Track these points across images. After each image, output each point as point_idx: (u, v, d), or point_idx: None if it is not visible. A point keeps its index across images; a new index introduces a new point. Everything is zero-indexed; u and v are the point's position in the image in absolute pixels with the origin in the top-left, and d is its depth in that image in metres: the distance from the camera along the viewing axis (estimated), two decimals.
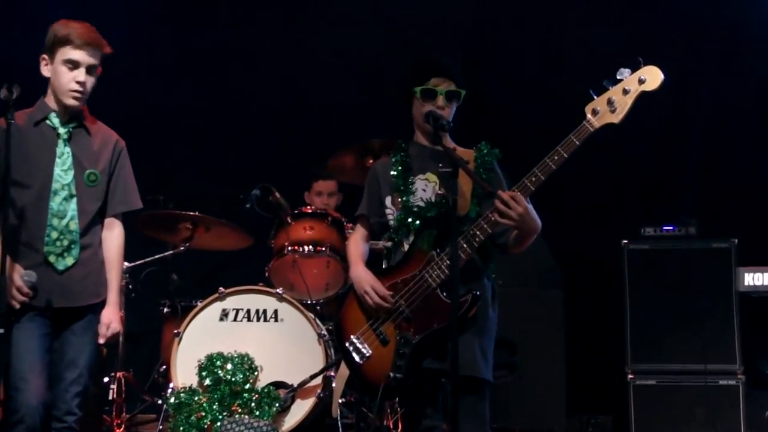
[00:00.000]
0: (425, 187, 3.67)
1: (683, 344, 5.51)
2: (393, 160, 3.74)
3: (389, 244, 3.74)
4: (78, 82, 3.65)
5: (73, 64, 3.64)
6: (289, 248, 5.50)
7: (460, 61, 3.87)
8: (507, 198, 3.36)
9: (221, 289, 5.12)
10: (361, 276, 3.63)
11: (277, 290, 5.15)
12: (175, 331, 5.08)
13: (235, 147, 6.87)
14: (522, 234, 3.48)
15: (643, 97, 3.37)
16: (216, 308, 5.11)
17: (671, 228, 5.84)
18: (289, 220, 5.55)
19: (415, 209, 3.63)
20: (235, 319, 5.10)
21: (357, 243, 3.82)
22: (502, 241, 3.57)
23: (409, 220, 3.62)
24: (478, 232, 3.45)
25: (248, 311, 5.12)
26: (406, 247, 3.62)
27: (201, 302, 5.14)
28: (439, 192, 3.63)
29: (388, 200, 3.73)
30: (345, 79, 6.84)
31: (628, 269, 5.73)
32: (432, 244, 3.53)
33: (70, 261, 3.65)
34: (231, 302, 5.11)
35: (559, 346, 5.93)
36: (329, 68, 6.89)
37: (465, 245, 3.44)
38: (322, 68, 6.90)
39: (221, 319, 5.10)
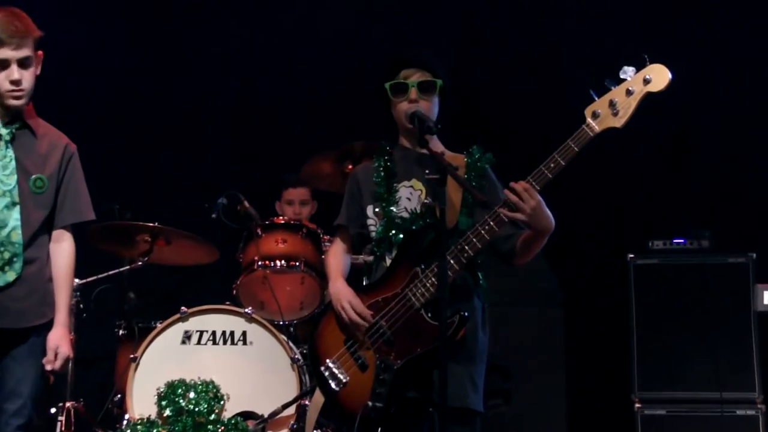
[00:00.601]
0: (410, 196, 3.69)
1: (696, 369, 5.54)
2: (375, 165, 3.76)
3: (370, 258, 3.77)
4: (12, 81, 3.61)
5: (2, 63, 3.61)
6: (260, 263, 5.48)
7: (450, 54, 3.90)
8: (520, 189, 3.38)
9: (183, 308, 5.10)
10: (340, 290, 3.64)
11: (246, 310, 5.14)
12: (132, 356, 5.05)
13: (200, 151, 6.87)
14: (533, 235, 3.50)
15: (650, 98, 3.39)
16: (177, 330, 5.09)
17: (682, 241, 5.87)
18: (260, 232, 5.54)
19: (399, 220, 3.65)
20: (198, 342, 5.08)
21: (336, 256, 3.83)
22: (507, 247, 3.59)
23: (392, 232, 3.64)
24: (467, 247, 3.46)
25: (213, 333, 5.10)
26: (389, 262, 3.63)
27: (161, 323, 5.11)
28: (426, 201, 3.64)
29: (369, 210, 3.74)
30: (322, 75, 6.85)
31: (635, 286, 5.76)
32: (416, 260, 3.56)
33: (11, 276, 3.62)
34: (194, 323, 5.10)
35: (560, 371, 5.95)
36: (304, 63, 6.90)
37: (452, 261, 3.44)
38: (295, 63, 6.92)
39: (183, 342, 5.08)
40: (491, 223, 3.44)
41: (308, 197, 6.28)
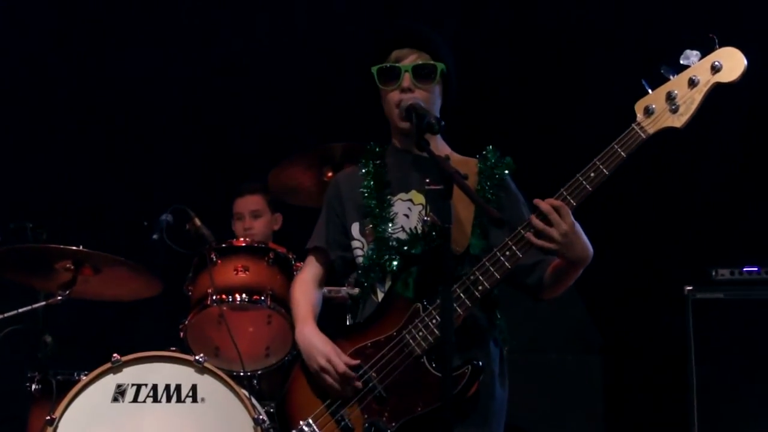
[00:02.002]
0: (408, 211, 3.70)
1: None
2: (362, 171, 3.78)
3: (356, 291, 3.78)
4: None
5: None
6: (214, 297, 5.49)
7: (456, 30, 3.92)
8: (548, 209, 3.38)
9: (116, 356, 5.06)
10: (312, 343, 3.63)
11: (197, 357, 5.11)
12: (48, 417, 5.00)
13: (139, 155, 6.89)
14: (566, 266, 3.51)
15: (718, 90, 3.40)
16: (108, 383, 5.05)
17: (755, 270, 5.89)
18: (214, 258, 5.55)
19: (393, 243, 3.66)
20: (135, 399, 5.04)
21: (305, 288, 3.85)
22: (533, 279, 3.60)
23: (385, 257, 3.65)
24: (481, 278, 3.48)
25: (154, 387, 5.06)
26: (381, 296, 3.64)
27: (86, 375, 5.09)
28: (427, 218, 3.65)
29: (354, 229, 3.75)
30: (295, 61, 6.89)
31: (694, 326, 5.77)
32: (416, 293, 3.55)
33: None
34: (130, 374, 5.06)
35: (597, 430, 5.97)
36: (271, 45, 6.93)
37: (463, 296, 3.47)
38: (260, 45, 6.95)
39: (116, 400, 5.04)
40: (514, 247, 3.46)
41: (262, 206, 6.30)
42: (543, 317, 5.68)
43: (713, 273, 5.89)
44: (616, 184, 3.54)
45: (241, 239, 5.89)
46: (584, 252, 3.46)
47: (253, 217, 6.30)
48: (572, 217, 3.41)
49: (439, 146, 3.73)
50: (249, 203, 6.29)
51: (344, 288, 4.10)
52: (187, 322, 5.57)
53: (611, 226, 6.36)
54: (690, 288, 5.83)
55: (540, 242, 3.41)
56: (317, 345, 3.61)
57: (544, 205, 3.40)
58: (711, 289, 5.83)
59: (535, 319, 5.06)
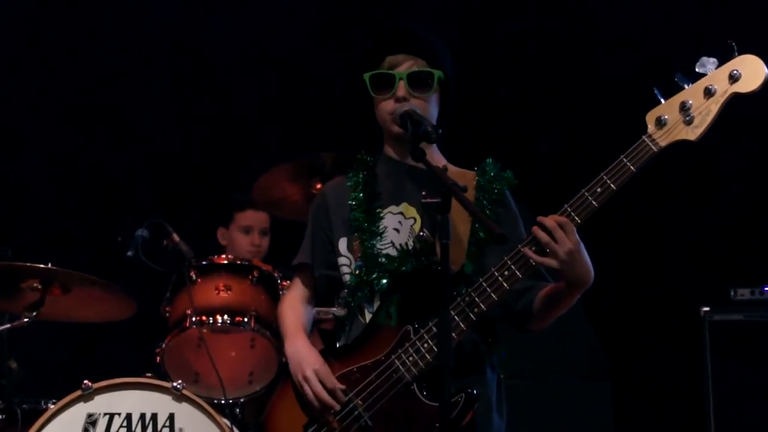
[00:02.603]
0: (398, 225, 3.71)
1: None
2: (351, 183, 3.79)
3: (342, 312, 3.78)
4: None
5: None
6: (194, 319, 5.51)
7: (455, 32, 3.94)
8: (552, 225, 3.40)
9: (86, 382, 5.06)
10: (302, 354, 3.65)
11: (174, 384, 5.11)
12: None
13: (110, 165, 6.90)
14: (561, 290, 3.51)
15: (736, 101, 3.40)
16: (78, 413, 5.04)
17: None
18: (194, 276, 5.58)
19: (383, 260, 3.65)
20: (107, 430, 5.04)
21: (294, 307, 3.84)
22: (520, 306, 3.61)
23: (374, 276, 3.65)
24: (478, 299, 3.47)
25: (128, 417, 5.05)
26: (368, 317, 3.65)
27: (54, 404, 5.10)
28: (422, 234, 3.66)
29: (342, 244, 3.76)
30: (283, 64, 6.92)
31: (712, 351, 5.78)
32: (406, 315, 3.56)
33: None
34: (102, 403, 5.05)
35: None
36: (255, 46, 6.97)
37: (458, 318, 3.45)
38: (242, 45, 6.99)
39: (86, 430, 5.06)
40: (513, 267, 3.46)
41: (269, 225, 6.32)
42: (547, 340, 5.66)
43: (732, 293, 5.91)
44: (626, 198, 3.56)
45: (223, 256, 5.89)
46: (586, 274, 3.46)
47: (262, 234, 6.32)
48: (577, 235, 3.42)
49: (435, 157, 3.73)
50: (261, 219, 6.30)
51: (334, 309, 4.10)
52: (164, 346, 5.58)
53: (621, 242, 6.37)
54: (707, 309, 5.83)
55: (542, 260, 3.42)
56: (307, 356, 3.64)
57: (549, 221, 3.41)
58: (729, 310, 5.85)
59: (539, 342, 5.04)
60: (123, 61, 7.06)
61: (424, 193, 3.60)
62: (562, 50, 6.76)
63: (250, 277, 5.62)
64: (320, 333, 5.29)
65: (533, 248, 3.44)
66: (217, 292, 5.58)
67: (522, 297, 3.60)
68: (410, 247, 3.66)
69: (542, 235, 3.41)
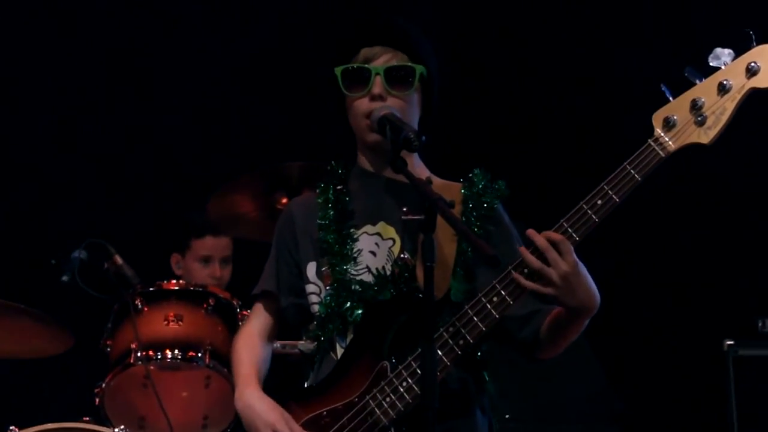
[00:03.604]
0: (374, 248, 3.70)
1: None
2: (321, 198, 3.78)
3: (311, 346, 3.76)
4: None
5: None
6: (140, 354, 5.47)
7: (442, 26, 3.93)
8: (544, 245, 3.38)
9: (13, 428, 5.05)
10: (254, 409, 3.62)
11: (116, 429, 5.12)
12: None
13: (43, 177, 6.87)
14: (566, 315, 3.49)
15: (755, 98, 3.39)
16: None
17: None
18: (140, 305, 5.57)
19: (357, 287, 3.64)
20: None
21: (250, 342, 3.82)
22: (526, 334, 3.60)
23: (347, 305, 3.63)
24: (463, 330, 3.46)
25: None
26: (340, 352, 3.63)
27: None
28: (403, 257, 3.65)
29: (310, 269, 3.76)
30: (242, 64, 6.92)
31: (737, 389, 5.79)
32: (384, 350, 3.54)
33: None
34: None
35: None
36: (211, 43, 6.98)
37: (441, 352, 3.43)
38: (196, 42, 7.00)
39: None
40: (503, 292, 3.45)
41: (231, 252, 6.31)
42: (550, 379, 5.68)
43: (760, 324, 5.92)
44: (639, 216, 3.55)
45: (173, 282, 5.84)
46: (589, 299, 3.45)
47: (224, 264, 6.31)
48: (575, 255, 3.41)
49: (417, 167, 3.74)
50: (222, 246, 6.30)
51: (301, 342, 4.07)
52: (104, 386, 5.53)
53: (632, 266, 6.37)
54: (731, 342, 5.84)
55: (533, 285, 3.42)
56: (260, 412, 3.60)
57: (540, 239, 3.40)
58: (757, 344, 5.87)
59: (541, 381, 5.06)
60: (59, 69, 7.05)
61: (404, 209, 3.59)
62: (560, 44, 6.79)
63: (205, 305, 5.60)
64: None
65: (524, 271, 3.42)
66: (166, 322, 5.56)
67: (528, 323, 3.59)
68: (388, 273, 3.64)
69: (531, 259, 3.40)
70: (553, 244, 3.39)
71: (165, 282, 5.76)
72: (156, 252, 6.29)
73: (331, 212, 3.73)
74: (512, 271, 3.44)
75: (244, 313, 5.56)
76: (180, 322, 5.56)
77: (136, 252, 5.71)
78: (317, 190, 3.81)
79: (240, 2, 7.02)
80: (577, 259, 3.41)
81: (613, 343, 5.81)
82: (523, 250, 3.41)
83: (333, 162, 3.84)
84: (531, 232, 3.42)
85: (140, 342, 5.47)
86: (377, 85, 3.67)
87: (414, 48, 3.73)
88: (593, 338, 3.64)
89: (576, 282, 3.40)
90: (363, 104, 3.69)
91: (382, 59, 3.69)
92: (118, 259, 5.56)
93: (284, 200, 5.45)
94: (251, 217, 5.66)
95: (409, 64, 3.70)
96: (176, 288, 5.70)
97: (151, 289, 5.62)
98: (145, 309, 5.55)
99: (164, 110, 7.01)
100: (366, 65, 3.69)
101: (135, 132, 7.02)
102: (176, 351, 5.51)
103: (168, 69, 7.04)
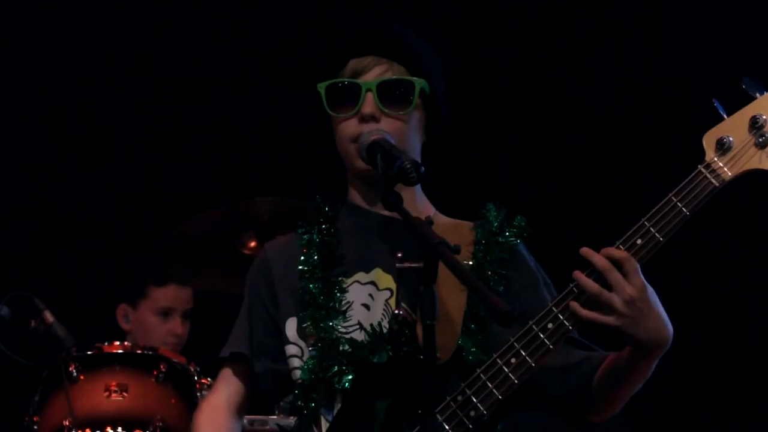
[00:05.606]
0: (368, 300, 3.80)
1: None
2: (303, 241, 3.85)
3: (291, 420, 3.84)
4: None
5: None
6: None
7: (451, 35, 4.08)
8: (605, 264, 3.42)
9: None
10: None
11: None
12: None
13: None
14: (629, 357, 3.50)
15: None
16: None
17: None
18: (75, 372, 5.69)
19: (346, 347, 3.71)
20: None
21: (215, 417, 3.89)
22: (574, 387, 3.64)
23: (334, 370, 3.71)
24: (474, 398, 3.53)
25: None
26: (325, 427, 3.70)
27: None
28: (398, 312, 3.74)
29: (290, 327, 3.84)
30: (205, 77, 7.13)
31: None
32: (377, 424, 3.63)
33: None
34: None
35: None
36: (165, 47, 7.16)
37: (447, 427, 3.52)
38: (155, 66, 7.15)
39: None
40: (522, 352, 3.51)
41: (191, 306, 6.50)
42: None
43: None
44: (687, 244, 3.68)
45: (117, 343, 5.96)
46: (658, 330, 3.47)
47: (185, 319, 6.47)
48: (642, 277, 3.41)
49: (419, 203, 3.81)
50: (185, 298, 6.51)
51: (273, 417, 4.25)
52: None
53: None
54: None
55: (591, 315, 3.42)
56: None
57: (599, 258, 3.42)
58: None
59: None
60: None
61: (399, 255, 3.62)
62: (591, 51, 6.97)
63: (155, 372, 5.71)
64: None
65: (577, 297, 3.43)
66: (107, 394, 5.71)
67: (570, 375, 3.61)
68: (385, 330, 3.68)
69: (587, 282, 3.42)
70: (616, 263, 3.42)
71: (106, 344, 5.84)
72: (96, 305, 6.38)
73: (316, 257, 3.78)
74: (570, 303, 3.46)
75: (204, 381, 5.64)
76: (124, 394, 5.68)
77: (70, 307, 5.80)
78: (299, 231, 3.82)
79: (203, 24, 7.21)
80: (646, 282, 3.41)
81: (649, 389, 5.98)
82: (578, 274, 3.41)
83: (318, 197, 3.85)
84: (587, 251, 3.43)
85: (75, 418, 5.59)
86: (368, 103, 3.74)
87: (413, 58, 3.78)
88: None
89: (645, 308, 3.45)
90: (350, 126, 3.75)
91: (375, 72, 3.76)
92: (49, 316, 5.63)
93: (252, 243, 5.58)
94: (212, 264, 5.80)
95: (408, 77, 3.77)
96: (120, 351, 5.78)
97: (89, 352, 5.73)
98: (82, 377, 5.69)
99: (116, 133, 7.24)
100: (355, 80, 3.76)
101: (72, 159, 7.18)
102: (119, 429, 5.65)
103: (117, 89, 7.20)
